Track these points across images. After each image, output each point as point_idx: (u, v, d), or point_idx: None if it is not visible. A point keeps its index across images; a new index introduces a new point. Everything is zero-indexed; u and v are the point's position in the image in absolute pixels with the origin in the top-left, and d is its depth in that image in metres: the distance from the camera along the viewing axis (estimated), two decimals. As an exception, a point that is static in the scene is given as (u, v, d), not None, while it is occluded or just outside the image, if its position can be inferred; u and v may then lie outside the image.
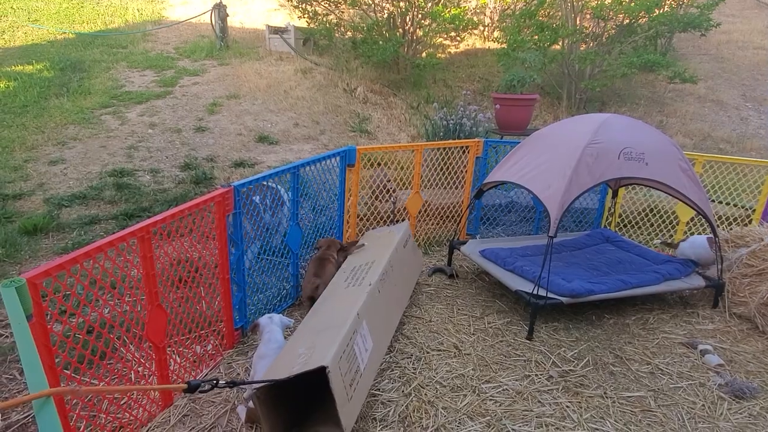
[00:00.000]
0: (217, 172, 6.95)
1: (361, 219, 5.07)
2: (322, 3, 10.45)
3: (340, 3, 10.42)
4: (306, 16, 10.39)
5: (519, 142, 4.48)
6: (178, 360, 3.18)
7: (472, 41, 12.87)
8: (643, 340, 3.80)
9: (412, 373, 3.27)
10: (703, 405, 3.07)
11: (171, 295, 2.95)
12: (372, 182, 5.42)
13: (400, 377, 3.23)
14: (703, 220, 4.33)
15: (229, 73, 10.39)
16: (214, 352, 3.40)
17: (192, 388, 2.31)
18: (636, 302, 4.36)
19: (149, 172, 6.81)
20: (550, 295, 3.75)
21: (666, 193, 4.12)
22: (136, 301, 2.75)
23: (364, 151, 4.59)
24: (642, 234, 5.79)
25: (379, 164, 6.21)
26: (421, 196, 5.06)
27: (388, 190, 5.37)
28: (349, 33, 10.99)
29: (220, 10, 11.61)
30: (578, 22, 9.97)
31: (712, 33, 10.92)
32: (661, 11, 9.97)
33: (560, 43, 10.02)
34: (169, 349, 3.08)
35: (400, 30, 10.28)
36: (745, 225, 5.16)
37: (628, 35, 9.73)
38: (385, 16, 10.14)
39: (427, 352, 3.51)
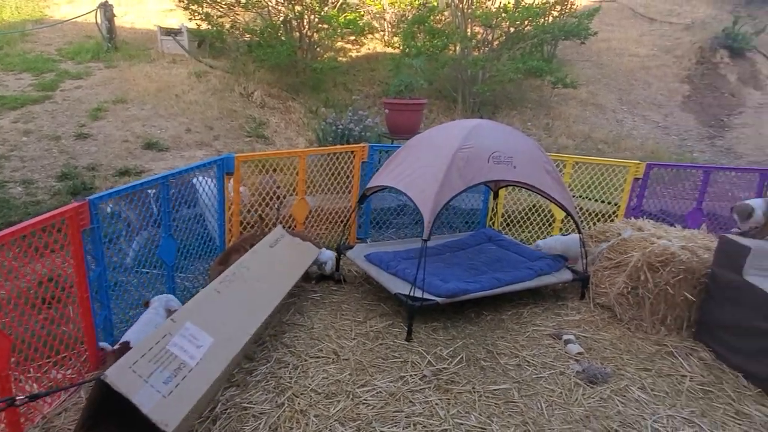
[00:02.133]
0: (99, 182, 6.57)
1: (245, 227, 4.96)
2: (214, 5, 10.14)
3: (234, 5, 10.17)
4: (197, 17, 10.05)
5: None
6: (35, 387, 2.97)
7: (373, 45, 13.01)
8: (515, 334, 4.00)
9: (288, 382, 3.25)
10: (561, 392, 3.29)
11: (17, 319, 2.75)
12: (260, 189, 5.33)
13: (275, 388, 3.19)
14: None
15: (116, 76, 9.84)
16: (74, 376, 3.20)
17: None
18: (513, 298, 4.57)
19: (21, 184, 6.31)
20: (427, 296, 3.86)
21: (534, 192, 4.37)
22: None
23: (244, 158, 4.51)
24: (525, 232, 6.10)
25: (273, 170, 6.12)
26: (307, 202, 5.05)
27: (278, 197, 5.30)
28: (246, 36, 10.75)
29: (106, 10, 10.96)
30: (469, 28, 10.37)
31: (593, 41, 11.75)
32: (545, 20, 10.61)
33: (453, 49, 10.37)
34: (20, 376, 2.87)
35: (297, 33, 10.20)
36: (612, 221, 5.58)
37: (516, 42, 10.25)
38: (281, 19, 10.02)
39: (305, 360, 3.50)
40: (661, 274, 3.99)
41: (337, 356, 3.56)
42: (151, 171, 6.98)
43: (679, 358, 3.74)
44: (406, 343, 3.78)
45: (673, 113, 11.36)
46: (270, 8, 10.14)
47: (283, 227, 4.58)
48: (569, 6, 11.02)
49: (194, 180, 4.49)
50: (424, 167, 4.03)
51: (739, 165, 9.47)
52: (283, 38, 9.94)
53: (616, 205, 5.90)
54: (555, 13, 10.91)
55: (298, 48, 10.16)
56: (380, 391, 3.21)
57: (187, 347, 2.73)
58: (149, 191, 3.96)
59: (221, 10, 10.34)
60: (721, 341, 3.76)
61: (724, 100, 11.79)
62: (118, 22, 12.00)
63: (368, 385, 3.27)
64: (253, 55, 10.07)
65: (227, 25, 10.58)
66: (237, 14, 10.54)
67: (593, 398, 3.24)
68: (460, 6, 10.41)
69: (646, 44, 13.27)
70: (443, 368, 3.48)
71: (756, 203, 3.72)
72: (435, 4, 10.39)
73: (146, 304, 3.58)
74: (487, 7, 10.35)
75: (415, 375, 3.39)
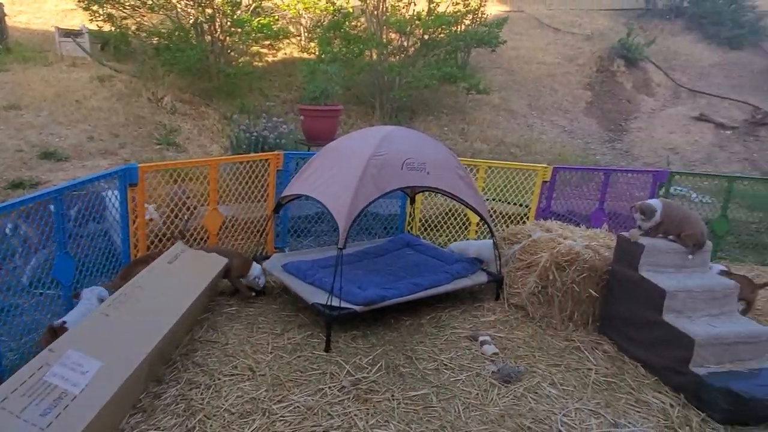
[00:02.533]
0: (-13, 196, 6.01)
1: (153, 241, 4.70)
2: (117, 6, 9.61)
3: (139, 7, 9.68)
4: (99, 18, 9.48)
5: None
6: None
7: (290, 50, 12.84)
8: (433, 338, 4.05)
9: (199, 404, 3.10)
10: (477, 394, 3.35)
11: None
12: (169, 199, 5.07)
13: (185, 411, 3.03)
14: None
15: (8, 81, 9.08)
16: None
17: None
18: (432, 301, 4.61)
19: None
20: (345, 304, 3.82)
21: (448, 197, 4.46)
22: None
23: (149, 168, 4.28)
24: (442, 235, 6.21)
25: (184, 180, 5.85)
26: (219, 213, 4.87)
27: (188, 208, 5.07)
28: (155, 39, 10.27)
29: (-5, 8, 10.12)
30: (385, 35, 10.49)
31: (503, 49, 12.24)
32: (458, 28, 10.94)
33: (370, 55, 10.45)
34: None
35: (209, 37, 9.87)
36: (524, 222, 5.80)
37: (430, 49, 10.48)
38: (191, 22, 9.66)
39: (219, 379, 3.35)
40: (568, 273, 4.19)
41: (252, 372, 3.44)
42: (49, 183, 6.48)
43: (586, 352, 3.94)
44: (325, 353, 3.72)
45: (578, 118, 12.05)
46: (179, 10, 9.76)
47: (183, 242, 4.35)
48: (480, 15, 11.43)
49: (104, 193, 4.23)
50: (337, 175, 4.00)
51: (636, 166, 10.21)
52: (193, 42, 9.59)
53: (527, 207, 6.15)
54: (467, 22, 11.27)
55: (210, 52, 9.84)
56: (298, 406, 3.13)
57: (69, 375, 2.55)
58: (51, 207, 3.67)
59: (125, 11, 9.82)
60: (621, 334, 4.00)
61: (622, 105, 12.67)
62: (10, 21, 11.16)
63: (285, 400, 3.18)
64: (162, 58, 9.63)
65: (133, 27, 10.08)
66: (143, 16, 10.04)
67: (507, 397, 3.33)
68: (375, 13, 10.52)
69: (551, 53, 14.01)
70: (363, 377, 3.46)
71: (656, 204, 3.96)
72: (350, 10, 10.42)
73: (76, 296, 3.65)
74: (401, 14, 10.52)
75: (334, 386, 3.34)
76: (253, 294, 4.47)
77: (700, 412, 3.29)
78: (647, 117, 12.35)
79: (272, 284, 4.87)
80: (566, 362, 3.79)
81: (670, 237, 3.89)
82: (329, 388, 3.32)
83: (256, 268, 4.51)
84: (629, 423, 3.16)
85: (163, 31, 9.69)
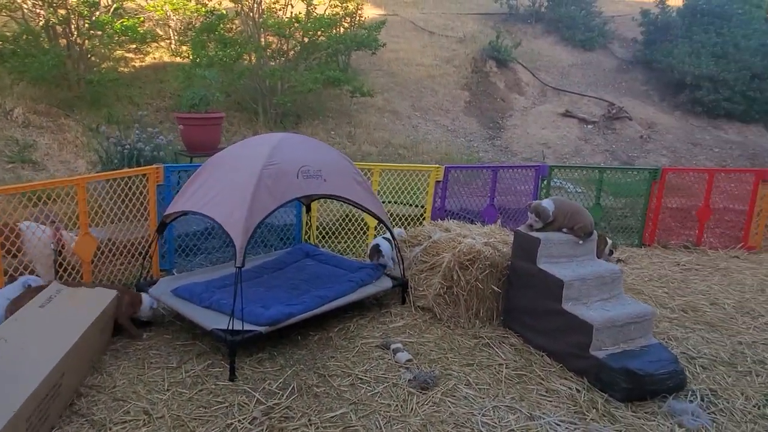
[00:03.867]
0: None
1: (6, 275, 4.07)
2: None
3: (-25, 7, 8.49)
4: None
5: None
6: None
7: (159, 54, 11.97)
8: (345, 351, 3.90)
9: (87, 462, 2.69)
10: (397, 405, 3.26)
11: None
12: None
13: (70, 473, 2.61)
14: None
15: None
16: None
17: None
18: (338, 312, 4.44)
19: None
20: (248, 326, 3.55)
21: (347, 203, 4.34)
22: None
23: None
24: (341, 242, 6.06)
25: (46, 201, 5.14)
26: (93, 237, 4.33)
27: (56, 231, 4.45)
28: (-1, 43, 9.06)
29: None
30: (263, 38, 10.13)
31: (383, 51, 12.36)
32: (337, 31, 10.87)
33: (249, 59, 10.04)
34: None
35: (64, 41, 8.89)
36: (421, 223, 5.83)
37: (311, 52, 10.30)
38: (41, 24, 8.63)
39: (109, 429, 2.94)
40: (471, 271, 4.24)
41: (148, 416, 3.06)
42: None
43: (494, 347, 4.00)
44: (231, 383, 3.42)
45: (459, 117, 12.51)
46: (25, 11, 8.67)
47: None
48: (358, 18, 11.45)
49: None
50: (229, 188, 3.71)
51: (515, 161, 10.80)
52: (46, 46, 8.57)
53: (422, 207, 6.20)
54: (346, 25, 11.23)
55: (67, 57, 8.85)
56: (205, 448, 2.83)
57: None
58: None
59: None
60: (525, 325, 4.13)
61: (498, 104, 13.36)
62: None
63: (190, 442, 2.86)
64: (8, 65, 8.50)
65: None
66: (-20, 18, 8.82)
67: (427, 404, 3.27)
68: (251, 15, 10.13)
69: (429, 55, 14.41)
70: (275, 404, 3.21)
71: (549, 204, 4.11)
72: (224, 12, 9.93)
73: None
74: (279, 17, 10.22)
75: (244, 419, 3.07)
76: (144, 336, 4.00)
77: (603, 394, 3.46)
78: (521, 114, 13.14)
79: (162, 311, 4.43)
80: (478, 360, 3.82)
81: (564, 230, 4.08)
82: (239, 421, 3.04)
83: (147, 300, 4.07)
84: (543, 414, 3.23)
85: (7, 34, 8.55)
